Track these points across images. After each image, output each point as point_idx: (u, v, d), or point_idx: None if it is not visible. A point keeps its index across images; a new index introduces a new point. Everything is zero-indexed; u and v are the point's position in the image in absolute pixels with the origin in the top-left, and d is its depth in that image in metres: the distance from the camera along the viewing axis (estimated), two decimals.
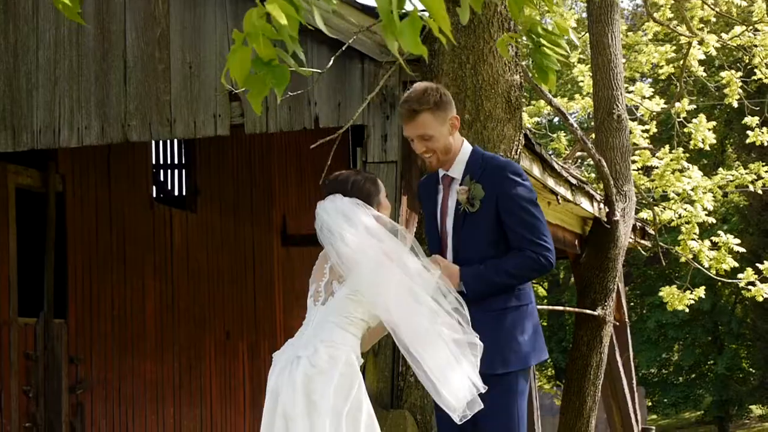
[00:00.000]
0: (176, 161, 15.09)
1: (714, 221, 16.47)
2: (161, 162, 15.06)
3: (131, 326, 13.22)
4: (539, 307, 13.87)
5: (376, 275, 5.14)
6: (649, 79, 16.81)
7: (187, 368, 14.08)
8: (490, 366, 5.27)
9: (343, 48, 8.83)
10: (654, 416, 46.77)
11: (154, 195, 14.28)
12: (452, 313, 5.20)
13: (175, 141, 15.00)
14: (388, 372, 8.68)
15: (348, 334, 5.24)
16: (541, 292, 48.45)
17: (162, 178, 15.12)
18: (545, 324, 48.38)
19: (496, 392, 5.30)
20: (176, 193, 15.09)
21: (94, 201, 12.78)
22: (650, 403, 46.76)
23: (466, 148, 5.55)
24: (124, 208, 13.21)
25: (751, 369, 48.16)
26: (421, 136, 5.43)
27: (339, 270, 5.25)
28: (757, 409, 48.56)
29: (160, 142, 14.95)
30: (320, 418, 5.08)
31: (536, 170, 10.64)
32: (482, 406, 5.09)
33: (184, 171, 14.94)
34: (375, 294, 5.16)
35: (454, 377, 5.12)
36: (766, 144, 16.71)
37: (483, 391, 5.08)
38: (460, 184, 5.46)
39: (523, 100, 9.25)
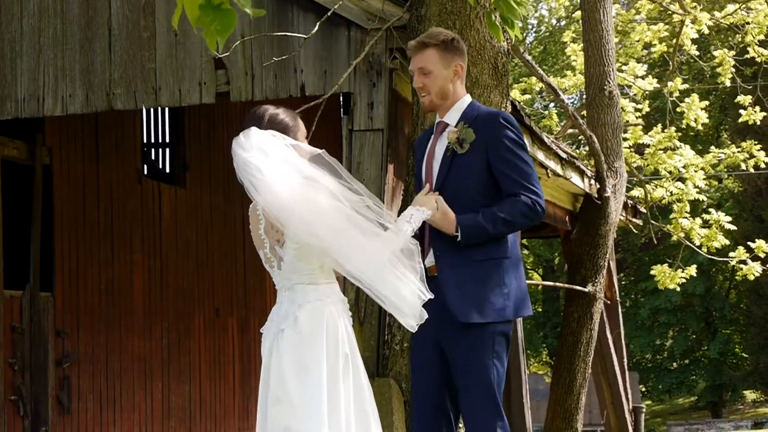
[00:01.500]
0: (164, 139, 15.00)
1: (705, 199, 16.42)
2: (151, 140, 14.96)
3: (119, 301, 13.15)
4: (530, 282, 13.84)
5: (303, 209, 4.99)
6: (645, 65, 16.68)
7: (176, 344, 14.02)
8: (465, 315, 5.21)
9: (329, 14, 8.78)
10: (648, 402, 46.78)
11: (144, 171, 14.19)
12: (384, 224, 5.12)
13: (166, 117, 14.91)
14: (374, 341, 8.66)
15: (320, 286, 5.16)
16: (536, 277, 48.42)
17: (152, 157, 15.04)
18: (540, 309, 48.43)
19: (471, 343, 5.26)
20: (166, 169, 15.00)
21: (82, 175, 12.71)
22: (644, 389, 46.80)
23: (466, 99, 5.53)
24: (112, 182, 13.14)
25: (744, 354, 48.22)
26: (421, 68, 5.41)
27: (269, 219, 5.11)
28: (750, 394, 48.63)
29: (150, 119, 14.86)
30: (318, 382, 5.01)
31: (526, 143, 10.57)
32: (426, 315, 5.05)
33: (172, 147, 14.86)
34: (308, 231, 5.00)
35: (404, 288, 5.05)
36: (758, 123, 16.64)
37: (430, 296, 5.02)
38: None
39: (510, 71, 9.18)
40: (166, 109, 14.46)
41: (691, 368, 48.42)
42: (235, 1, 3.49)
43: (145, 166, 14.41)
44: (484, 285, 5.27)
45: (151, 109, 14.55)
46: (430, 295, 5.03)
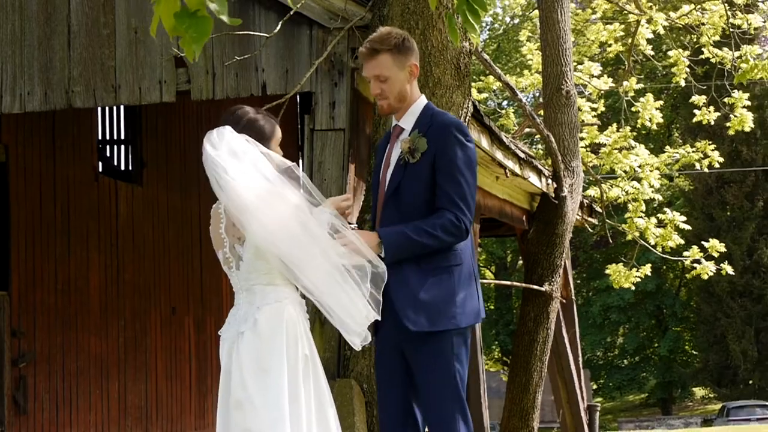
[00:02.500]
0: (120, 136, 14.90)
1: (661, 198, 16.54)
2: (107, 138, 14.87)
3: (75, 300, 13.06)
4: (485, 281, 13.86)
5: (265, 214, 5.01)
6: (598, 64, 16.74)
7: (132, 343, 13.94)
8: (416, 324, 5.21)
9: (291, 13, 8.75)
10: (599, 399, 47.11)
11: (100, 169, 14.10)
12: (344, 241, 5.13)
13: (122, 115, 14.82)
14: (335, 341, 8.64)
15: (279, 287, 5.17)
16: (489, 275, 48.60)
17: (108, 154, 14.94)
18: (492, 307, 48.59)
19: (430, 349, 5.26)
20: (122, 167, 14.91)
21: (38, 172, 12.61)
22: (595, 387, 47.10)
23: (421, 101, 5.48)
24: (69, 180, 13.05)
25: (693, 352, 48.62)
26: (377, 76, 5.37)
27: (231, 218, 5.13)
28: (699, 391, 49.06)
29: (106, 116, 14.76)
30: (278, 384, 5.02)
31: (485, 142, 10.60)
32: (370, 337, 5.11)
33: (129, 145, 14.77)
34: (266, 238, 5.03)
35: (353, 307, 5.07)
36: (713, 123, 16.77)
37: (377, 317, 5.06)
38: (408, 136, 5.40)
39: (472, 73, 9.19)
40: (122, 106, 14.36)
41: (642, 365, 48.78)
42: (211, 8, 3.48)
43: (101, 164, 14.31)
44: (434, 294, 5.24)
45: (107, 107, 14.45)
46: (377, 316, 5.08)
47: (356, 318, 5.08)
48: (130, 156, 14.76)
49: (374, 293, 5.10)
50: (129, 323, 13.89)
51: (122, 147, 14.94)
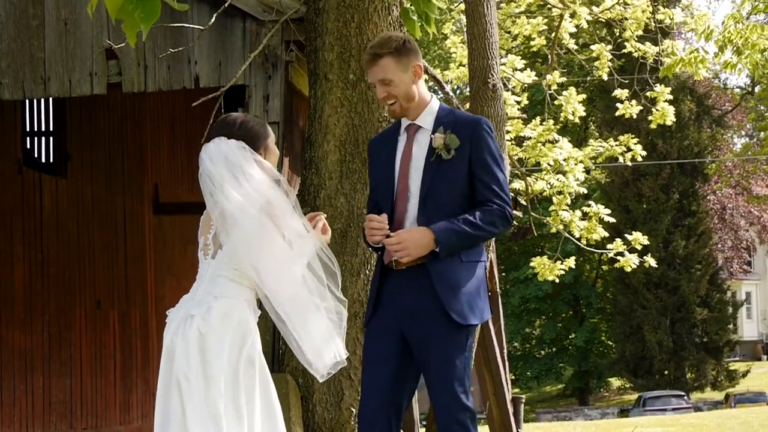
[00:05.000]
0: (46, 128, 14.71)
1: (585, 191, 16.69)
2: (32, 129, 14.66)
3: None
4: None
5: (254, 241, 5.08)
6: (520, 57, 16.83)
7: (57, 337, 13.79)
8: (463, 317, 5.26)
9: (225, 6, 8.71)
10: (516, 390, 47.42)
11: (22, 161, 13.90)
12: (323, 278, 5.22)
13: (49, 107, 14.63)
14: (269, 336, 8.62)
15: (242, 287, 5.18)
16: None
17: (29, 146, 14.73)
18: None
19: (452, 341, 5.30)
20: (46, 159, 14.71)
21: None
22: (513, 377, 47.45)
23: (435, 101, 5.52)
24: None
25: (609, 342, 49.19)
26: (381, 80, 5.39)
27: (219, 226, 5.15)
28: (615, 382, 49.63)
29: (33, 108, 14.56)
30: (215, 377, 5.04)
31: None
32: (345, 364, 5.22)
33: (53, 137, 14.58)
34: (249, 261, 5.10)
35: (322, 342, 5.16)
36: (635, 117, 16.94)
37: (345, 357, 5.18)
38: (433, 134, 5.40)
39: None
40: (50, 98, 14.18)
41: (559, 356, 49.24)
42: None
43: (24, 156, 14.11)
44: (472, 287, 5.34)
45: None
46: (345, 355, 5.20)
47: (324, 358, 5.19)
48: (55, 148, 14.56)
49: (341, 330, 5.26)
50: (53, 317, 13.73)
51: (46, 139, 14.74)
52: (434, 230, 5.25)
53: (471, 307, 5.30)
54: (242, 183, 5.12)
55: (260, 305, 5.29)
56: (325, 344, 5.17)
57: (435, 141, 5.37)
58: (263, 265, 5.10)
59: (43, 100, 14.46)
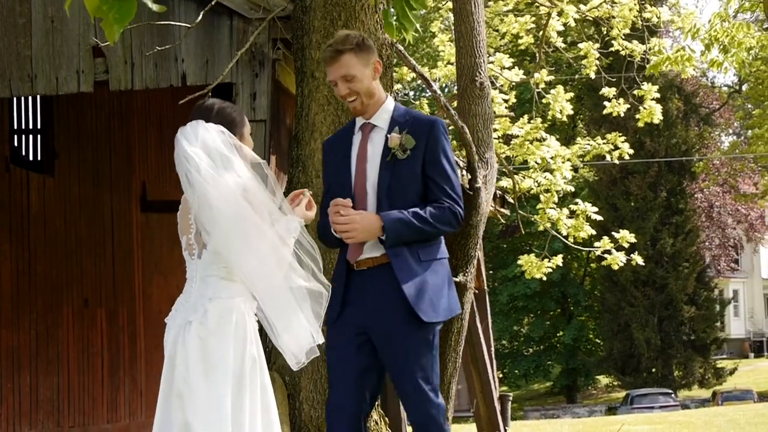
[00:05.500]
0: (33, 126, 14.67)
1: (573, 189, 16.72)
2: (19, 127, 14.62)
3: None
4: None
5: (234, 231, 5.03)
6: (507, 55, 16.86)
7: (44, 335, 13.76)
8: (428, 315, 5.34)
9: (212, 3, 8.70)
10: (504, 388, 47.47)
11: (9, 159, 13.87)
12: (305, 259, 5.20)
13: (36, 104, 14.60)
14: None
15: (234, 284, 5.15)
16: None
17: (16, 144, 14.70)
18: None
19: (418, 338, 5.38)
20: (34, 157, 14.68)
21: None
22: (501, 375, 47.48)
23: (390, 100, 5.60)
24: None
25: (597, 340, 49.26)
26: (344, 76, 5.44)
27: (198, 220, 5.12)
28: (603, 379, 49.71)
29: (21, 106, 14.53)
30: (223, 380, 5.00)
31: None
32: (318, 353, 5.19)
33: (41, 135, 14.56)
34: (227, 248, 5.06)
35: (298, 326, 5.12)
36: (622, 115, 16.96)
37: (321, 342, 5.18)
38: (388, 133, 5.44)
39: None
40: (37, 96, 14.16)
41: (547, 354, 49.30)
42: None
43: (11, 154, 14.08)
44: (436, 285, 5.41)
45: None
46: (321, 340, 5.20)
47: (301, 342, 5.16)
48: (42, 146, 14.53)
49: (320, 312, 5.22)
50: (41, 316, 13.71)
51: (32, 136, 14.71)
52: (383, 218, 5.33)
53: (434, 305, 5.37)
54: (219, 166, 5.06)
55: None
56: (301, 328, 5.13)
57: (391, 141, 5.42)
58: (240, 249, 5.04)
59: (30, 98, 14.43)
